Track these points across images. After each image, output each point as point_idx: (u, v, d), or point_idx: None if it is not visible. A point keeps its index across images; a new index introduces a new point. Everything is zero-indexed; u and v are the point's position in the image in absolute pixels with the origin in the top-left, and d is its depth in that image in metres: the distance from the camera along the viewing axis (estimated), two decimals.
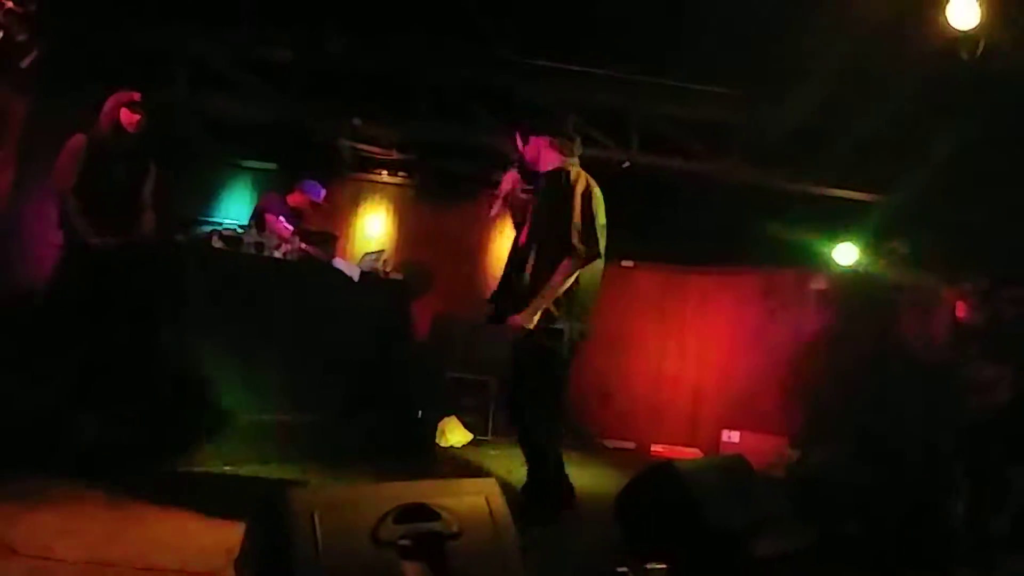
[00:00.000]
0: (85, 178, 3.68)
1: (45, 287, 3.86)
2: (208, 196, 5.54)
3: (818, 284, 6.07)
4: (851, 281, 5.94)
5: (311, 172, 5.13)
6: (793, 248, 6.01)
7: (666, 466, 2.73)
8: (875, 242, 6.23)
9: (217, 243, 4.15)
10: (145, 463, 3.38)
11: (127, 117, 3.75)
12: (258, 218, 4.67)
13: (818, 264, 6.13)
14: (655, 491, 2.67)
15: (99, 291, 3.69)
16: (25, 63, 4.41)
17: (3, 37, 4.16)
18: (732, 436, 6.01)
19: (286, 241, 4.40)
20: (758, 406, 6.06)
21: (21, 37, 4.24)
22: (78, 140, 3.72)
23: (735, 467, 3.08)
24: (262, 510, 1.65)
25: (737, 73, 4.95)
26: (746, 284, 6.32)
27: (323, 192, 5.03)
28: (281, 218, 4.64)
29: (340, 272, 4.59)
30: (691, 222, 6.00)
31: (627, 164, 5.35)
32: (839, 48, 4.19)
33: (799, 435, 5.64)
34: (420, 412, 5.02)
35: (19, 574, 1.98)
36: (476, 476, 4.31)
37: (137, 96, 3.80)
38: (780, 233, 5.90)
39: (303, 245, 4.47)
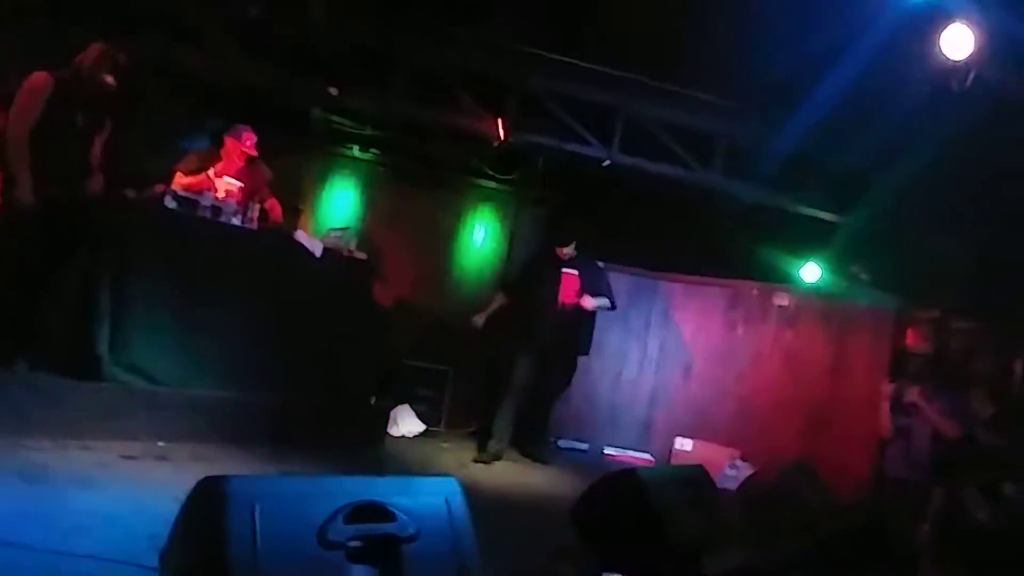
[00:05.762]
0: (44, 122, 3.38)
1: None
2: (170, 156, 5.20)
3: (781, 300, 6.10)
4: (813, 299, 6.00)
5: (280, 137, 4.86)
6: (760, 262, 6.03)
7: (629, 474, 2.64)
8: (837, 263, 6.32)
9: (170, 204, 3.89)
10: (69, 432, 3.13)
11: (107, 76, 3.49)
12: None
13: (783, 280, 6.17)
14: (616, 499, 2.58)
15: (38, 248, 3.42)
16: None
17: None
18: (685, 444, 6.00)
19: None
20: (713, 416, 6.07)
21: None
22: (43, 80, 3.40)
23: (696, 478, 3.02)
24: (195, 497, 1.48)
25: (731, 85, 4.91)
26: (711, 294, 6.31)
27: (247, 137, 4.35)
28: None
29: (301, 246, 4.37)
30: (664, 227, 5.96)
31: (608, 162, 5.25)
32: (834, 75, 4.19)
33: (752, 449, 5.67)
34: (373, 399, 4.84)
35: None
36: (427, 470, 4.22)
37: (126, 60, 3.55)
38: (749, 246, 5.92)
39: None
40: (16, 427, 3.04)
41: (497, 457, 4.85)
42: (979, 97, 3.68)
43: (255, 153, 4.45)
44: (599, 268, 5.29)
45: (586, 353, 5.47)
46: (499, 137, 5.16)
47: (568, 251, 5.09)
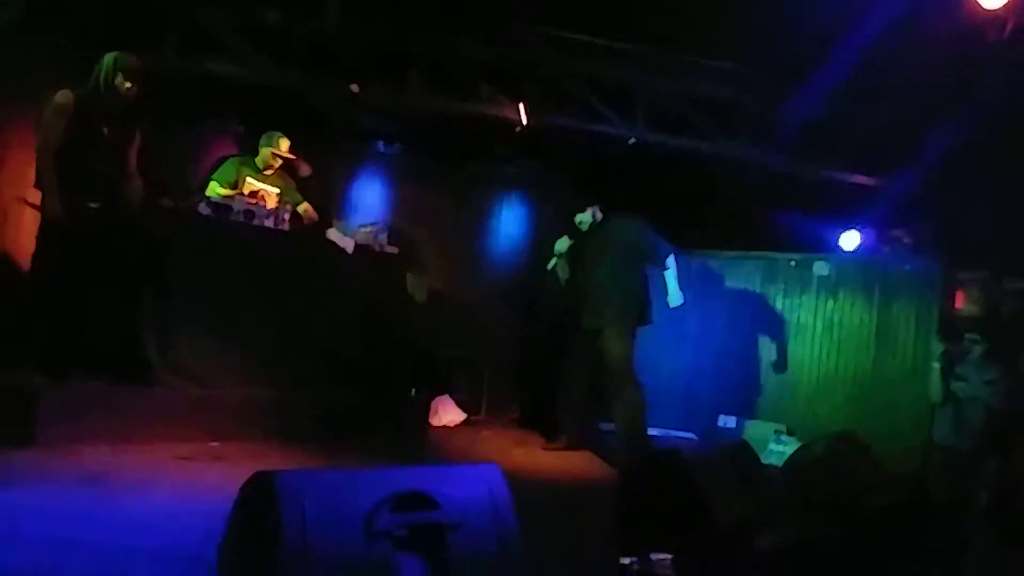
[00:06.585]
0: (70, 138, 3.49)
1: (31, 254, 3.68)
2: (199, 163, 5.33)
3: (821, 270, 5.96)
4: (854, 267, 5.84)
5: (304, 137, 4.93)
6: (796, 233, 5.90)
7: (672, 454, 2.63)
8: (878, 229, 6.14)
9: (204, 210, 3.98)
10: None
11: (123, 82, 3.56)
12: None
13: (822, 250, 6.02)
14: (659, 479, 2.57)
15: (79, 259, 3.53)
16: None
17: None
18: (728, 421, 5.94)
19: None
20: (755, 391, 5.99)
21: None
22: (65, 97, 3.50)
23: (740, 455, 2.99)
24: (248, 493, 1.53)
25: (750, 52, 4.78)
26: (748, 268, 6.20)
27: (282, 141, 4.53)
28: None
29: (333, 244, 4.44)
30: (694, 203, 5.86)
31: (633, 140, 5.18)
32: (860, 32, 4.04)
33: (797, 423, 5.58)
34: (413, 390, 4.90)
35: None
36: (469, 458, 4.27)
37: (138, 63, 3.61)
38: (784, 217, 5.79)
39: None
40: (74, 435, 3.16)
41: (571, 447, 4.76)
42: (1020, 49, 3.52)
43: (292, 156, 4.54)
44: (630, 226, 4.84)
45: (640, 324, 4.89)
46: (521, 122, 5.13)
47: (585, 217, 4.86)
